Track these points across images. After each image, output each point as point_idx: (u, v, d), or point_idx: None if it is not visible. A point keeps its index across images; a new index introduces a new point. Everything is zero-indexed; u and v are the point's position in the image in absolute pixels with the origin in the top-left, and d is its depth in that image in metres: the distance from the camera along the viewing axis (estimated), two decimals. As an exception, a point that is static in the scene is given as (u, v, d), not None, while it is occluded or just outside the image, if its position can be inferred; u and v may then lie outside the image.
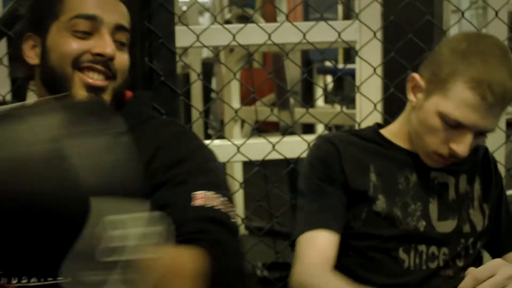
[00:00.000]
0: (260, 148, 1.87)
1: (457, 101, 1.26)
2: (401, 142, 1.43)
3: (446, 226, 1.40)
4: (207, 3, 5.82)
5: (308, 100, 4.29)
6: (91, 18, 1.18)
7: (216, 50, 5.52)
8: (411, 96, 1.37)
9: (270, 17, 3.07)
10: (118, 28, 1.20)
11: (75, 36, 1.17)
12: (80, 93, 1.17)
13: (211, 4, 4.95)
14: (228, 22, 3.15)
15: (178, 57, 1.71)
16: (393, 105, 1.85)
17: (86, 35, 1.18)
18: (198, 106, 3.46)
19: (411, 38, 1.83)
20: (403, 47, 1.84)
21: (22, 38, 1.24)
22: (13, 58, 1.30)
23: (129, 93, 1.31)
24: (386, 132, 1.45)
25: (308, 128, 4.17)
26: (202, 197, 1.11)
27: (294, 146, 1.87)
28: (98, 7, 1.19)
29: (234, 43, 1.77)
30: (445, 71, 1.29)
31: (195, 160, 1.18)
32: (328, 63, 4.35)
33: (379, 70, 1.90)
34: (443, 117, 1.28)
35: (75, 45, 1.17)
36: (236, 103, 3.34)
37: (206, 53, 5.46)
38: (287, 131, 2.17)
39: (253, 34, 1.80)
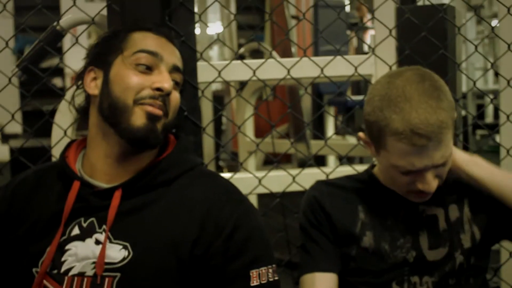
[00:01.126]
0: (279, 180, 1.90)
1: (396, 153, 1.30)
2: (388, 183, 1.47)
3: (437, 254, 1.43)
4: (215, 36, 5.90)
5: (319, 132, 4.32)
6: (153, 54, 1.27)
7: (227, 84, 5.58)
8: (369, 151, 1.43)
9: (286, 51, 3.12)
10: (175, 68, 1.30)
11: (137, 69, 1.26)
12: (140, 121, 1.23)
13: (221, 37, 5.02)
14: (241, 56, 3.19)
15: (201, 92, 1.75)
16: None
17: (147, 70, 1.26)
18: (209, 140, 3.49)
19: (425, 71, 1.86)
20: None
21: (84, 71, 1.32)
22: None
23: (172, 138, 1.37)
24: (378, 172, 1.51)
25: (320, 160, 4.20)
26: (256, 276, 1.24)
27: (313, 178, 1.89)
28: (158, 46, 1.29)
29: (253, 77, 1.82)
30: (374, 131, 1.34)
31: (245, 230, 1.26)
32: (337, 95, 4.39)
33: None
34: (394, 168, 1.33)
35: (137, 79, 1.25)
36: (250, 135, 3.37)
37: (214, 86, 5.51)
38: (306, 163, 2.19)
39: (271, 69, 1.84)
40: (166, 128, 1.28)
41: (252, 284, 1.24)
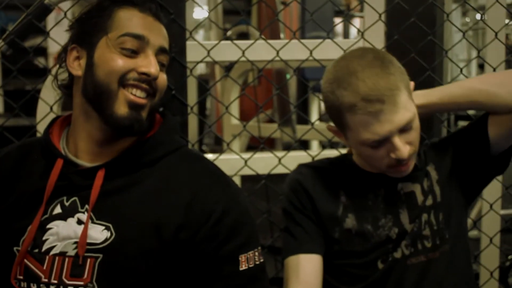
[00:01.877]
0: (264, 162, 1.90)
1: (357, 127, 1.33)
2: (366, 167, 1.50)
3: (416, 225, 1.46)
4: (201, 19, 5.87)
5: (302, 117, 4.34)
6: (139, 38, 1.23)
7: (211, 66, 5.57)
8: (342, 141, 1.47)
9: (274, 36, 3.11)
10: (161, 50, 1.27)
11: (122, 53, 1.22)
12: (122, 110, 1.21)
13: (208, 22, 5.00)
14: (227, 38, 3.19)
15: (189, 72, 1.74)
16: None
17: (133, 53, 1.23)
18: (193, 122, 3.48)
19: (413, 57, 1.87)
20: (405, 66, 1.88)
21: (67, 48, 1.29)
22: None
23: (158, 116, 1.35)
24: (355, 158, 1.53)
25: (303, 144, 4.21)
26: (244, 261, 1.25)
27: (298, 161, 1.90)
28: (145, 28, 1.25)
29: (241, 59, 1.81)
30: (334, 114, 1.39)
31: (233, 214, 1.26)
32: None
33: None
34: (363, 144, 1.35)
35: (122, 63, 1.22)
36: (235, 119, 3.37)
37: (199, 69, 5.50)
38: (291, 146, 2.20)
39: (260, 50, 1.84)
40: (152, 109, 1.27)
41: (241, 269, 1.24)
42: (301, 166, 1.56)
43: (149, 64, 1.23)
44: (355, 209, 1.47)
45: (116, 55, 1.22)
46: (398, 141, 1.33)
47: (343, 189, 1.49)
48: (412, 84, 1.38)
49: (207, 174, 1.30)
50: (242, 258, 1.25)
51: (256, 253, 1.27)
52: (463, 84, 1.49)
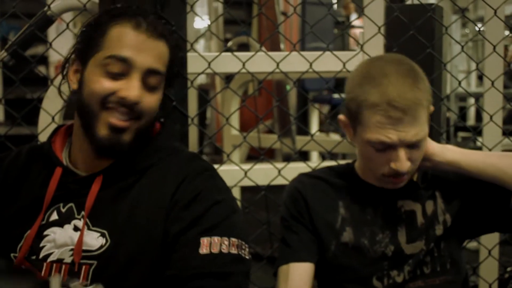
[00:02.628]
0: (264, 173, 1.91)
1: (371, 126, 1.34)
2: (367, 177, 1.49)
3: (414, 248, 1.45)
4: (202, 30, 5.89)
5: (302, 128, 4.35)
6: (123, 61, 1.21)
7: (211, 77, 5.58)
8: (347, 135, 1.47)
9: (274, 47, 3.12)
10: (150, 72, 1.24)
11: (107, 75, 1.22)
12: (102, 132, 1.22)
13: (208, 32, 5.01)
14: (228, 50, 3.20)
15: (190, 83, 1.76)
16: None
17: (117, 75, 1.21)
18: (193, 132, 3.49)
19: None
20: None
21: (69, 60, 1.30)
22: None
23: (158, 126, 1.35)
24: (358, 166, 1.53)
25: (303, 156, 4.22)
26: (207, 244, 1.18)
27: (298, 172, 1.90)
28: (133, 49, 1.22)
29: (242, 70, 1.82)
30: (353, 105, 1.38)
31: (205, 202, 1.23)
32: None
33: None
34: (370, 144, 1.36)
35: (104, 85, 1.21)
36: (235, 129, 3.39)
37: (200, 80, 5.50)
38: (291, 157, 2.20)
39: (260, 62, 1.85)
40: (140, 131, 1.26)
41: (201, 252, 1.18)
42: (302, 175, 1.56)
43: (130, 88, 1.21)
44: (353, 222, 1.47)
45: (100, 77, 1.22)
46: (402, 153, 1.34)
47: (342, 200, 1.49)
48: (432, 108, 1.39)
49: (194, 168, 1.29)
50: (204, 241, 1.18)
51: (226, 242, 1.20)
52: (491, 160, 1.44)
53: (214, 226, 1.21)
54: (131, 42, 1.23)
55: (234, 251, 1.20)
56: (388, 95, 1.31)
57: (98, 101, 1.21)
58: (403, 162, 1.35)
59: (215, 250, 1.18)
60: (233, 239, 1.21)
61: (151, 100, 1.25)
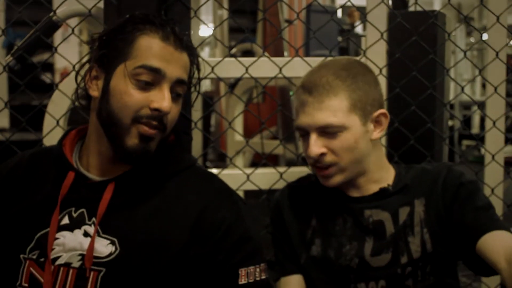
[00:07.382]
0: (267, 177, 1.92)
1: (296, 111, 1.41)
2: None
3: (380, 260, 1.41)
4: (206, 37, 5.92)
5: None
6: (155, 71, 1.22)
7: (216, 84, 5.60)
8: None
9: (278, 53, 3.13)
10: (178, 81, 1.26)
11: (137, 85, 1.22)
12: (133, 141, 1.23)
13: (213, 39, 5.04)
14: (232, 56, 3.23)
15: (194, 88, 1.76)
16: (397, 140, 1.91)
17: (147, 85, 1.22)
18: (197, 138, 3.50)
19: (415, 76, 1.89)
20: (407, 84, 1.90)
21: (87, 65, 1.31)
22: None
23: (172, 136, 1.37)
24: None
25: (304, 162, 4.22)
26: (244, 275, 1.26)
27: (300, 176, 1.91)
28: (163, 60, 1.23)
29: (244, 75, 1.84)
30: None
31: (238, 230, 1.28)
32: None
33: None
34: (298, 132, 1.43)
35: (136, 98, 1.22)
36: (238, 135, 3.40)
37: (204, 86, 5.52)
38: (294, 162, 2.21)
39: (263, 67, 1.86)
40: (162, 140, 1.28)
41: (240, 282, 1.25)
42: (286, 186, 1.58)
43: (162, 99, 1.22)
44: (322, 234, 1.46)
45: (130, 88, 1.22)
46: (313, 138, 1.36)
47: (315, 211, 1.49)
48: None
49: (214, 193, 1.32)
50: (242, 272, 1.26)
51: (258, 269, 1.28)
52: None
53: (249, 257, 1.28)
54: (161, 53, 1.24)
55: (263, 276, 1.30)
56: (303, 79, 1.38)
57: (131, 115, 1.22)
58: (312, 148, 1.35)
59: (251, 279, 1.27)
60: (262, 265, 1.30)
61: (175, 110, 1.28)
